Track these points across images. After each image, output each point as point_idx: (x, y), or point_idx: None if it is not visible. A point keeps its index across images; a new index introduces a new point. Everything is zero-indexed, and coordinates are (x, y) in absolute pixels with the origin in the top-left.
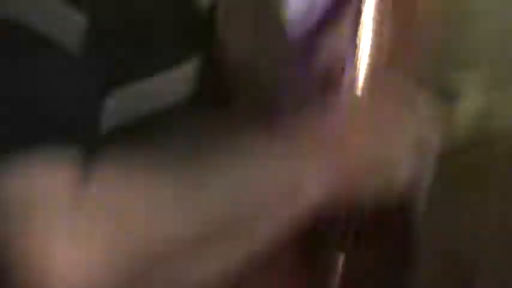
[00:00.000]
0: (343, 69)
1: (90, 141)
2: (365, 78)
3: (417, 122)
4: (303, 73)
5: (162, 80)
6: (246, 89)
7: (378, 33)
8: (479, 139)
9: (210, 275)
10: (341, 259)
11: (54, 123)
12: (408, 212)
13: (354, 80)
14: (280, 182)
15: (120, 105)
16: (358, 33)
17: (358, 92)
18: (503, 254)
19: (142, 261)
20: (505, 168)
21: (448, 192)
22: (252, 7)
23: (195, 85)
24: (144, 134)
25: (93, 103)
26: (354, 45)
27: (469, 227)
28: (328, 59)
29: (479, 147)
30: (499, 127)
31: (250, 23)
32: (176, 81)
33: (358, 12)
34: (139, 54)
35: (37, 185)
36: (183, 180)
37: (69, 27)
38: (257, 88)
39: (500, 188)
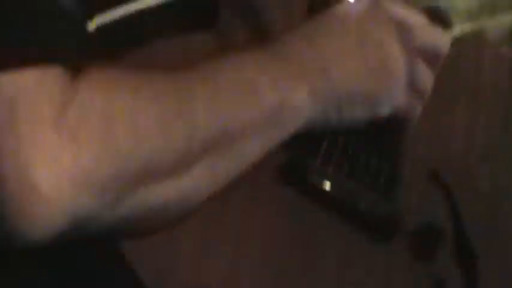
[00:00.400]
0: None
1: (77, 52)
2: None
3: (410, 49)
4: None
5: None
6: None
7: None
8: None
9: (194, 191)
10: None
11: (44, 35)
12: (396, 130)
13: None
14: (268, 100)
15: (105, 28)
16: None
17: (348, 16)
18: (497, 165)
19: (128, 174)
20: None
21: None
22: None
23: (183, 5)
24: (132, 48)
25: (79, 21)
26: None
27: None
28: None
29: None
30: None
31: None
32: (165, 2)
33: None
34: None
35: (26, 84)
36: (170, 90)
37: None
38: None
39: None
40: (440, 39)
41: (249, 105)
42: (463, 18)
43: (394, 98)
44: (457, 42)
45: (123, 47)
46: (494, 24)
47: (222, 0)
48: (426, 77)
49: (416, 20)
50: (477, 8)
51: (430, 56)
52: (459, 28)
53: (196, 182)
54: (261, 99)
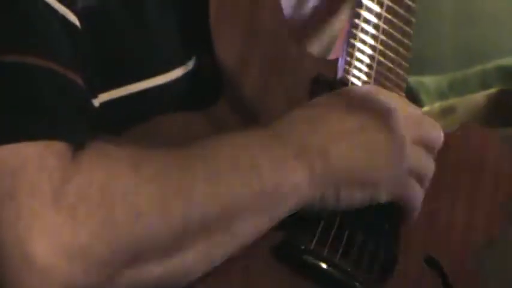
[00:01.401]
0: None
1: (80, 127)
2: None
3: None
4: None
5: (157, 82)
6: (233, 92)
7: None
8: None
9: (190, 269)
10: None
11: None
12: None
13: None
14: (268, 179)
15: (110, 105)
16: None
17: (350, 101)
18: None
19: (124, 251)
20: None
21: None
22: (244, 14)
23: (186, 86)
24: (134, 124)
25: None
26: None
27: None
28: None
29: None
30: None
31: (241, 29)
32: (169, 83)
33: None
34: (137, 57)
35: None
36: (170, 168)
37: None
38: (244, 92)
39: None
40: (436, 129)
41: (248, 184)
42: (432, 96)
43: (394, 184)
44: None
45: (126, 122)
46: (464, 103)
47: (224, 88)
48: (427, 163)
49: (414, 109)
50: (447, 86)
51: (428, 143)
52: (428, 106)
53: (192, 260)
54: (261, 178)
